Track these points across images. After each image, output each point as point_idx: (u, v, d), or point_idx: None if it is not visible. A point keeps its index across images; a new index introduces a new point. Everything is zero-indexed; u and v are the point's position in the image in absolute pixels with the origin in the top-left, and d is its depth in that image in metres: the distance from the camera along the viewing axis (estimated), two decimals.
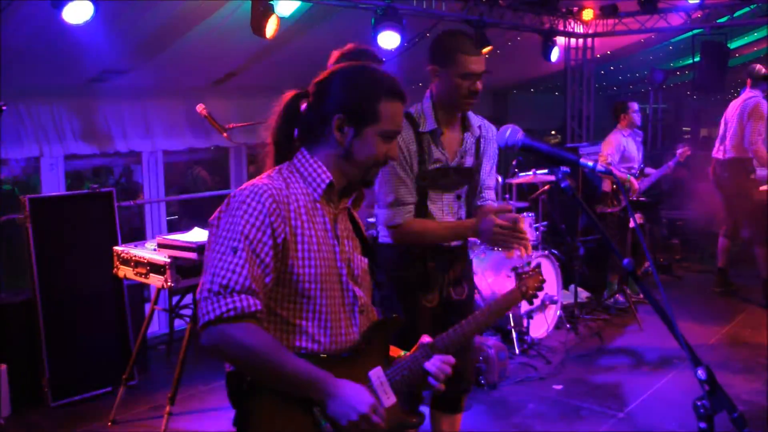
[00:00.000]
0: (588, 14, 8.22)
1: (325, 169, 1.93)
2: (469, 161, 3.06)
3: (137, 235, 6.18)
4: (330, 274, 1.91)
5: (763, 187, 6.97)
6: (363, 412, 1.80)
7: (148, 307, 5.32)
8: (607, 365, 5.41)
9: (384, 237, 3.06)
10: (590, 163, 1.65)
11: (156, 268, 4.35)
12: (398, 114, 1.95)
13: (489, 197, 3.20)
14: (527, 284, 2.32)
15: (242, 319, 1.73)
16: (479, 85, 2.92)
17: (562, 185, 1.68)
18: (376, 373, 1.92)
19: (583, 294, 6.85)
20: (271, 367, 1.75)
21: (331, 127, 1.90)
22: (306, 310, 1.88)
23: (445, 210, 3.03)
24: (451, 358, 2.04)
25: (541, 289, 2.39)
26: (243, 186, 1.88)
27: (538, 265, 2.46)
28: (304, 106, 1.96)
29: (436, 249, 3.03)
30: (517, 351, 5.52)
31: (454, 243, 3.06)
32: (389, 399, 1.91)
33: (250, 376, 1.80)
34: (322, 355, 1.88)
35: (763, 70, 3.03)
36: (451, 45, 2.89)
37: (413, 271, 3.01)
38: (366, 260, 2.07)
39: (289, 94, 1.97)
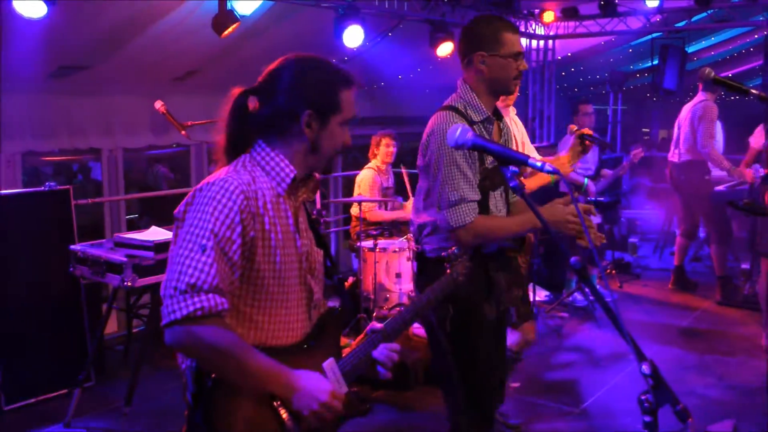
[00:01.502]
0: (549, 16, 8.32)
1: (288, 163, 1.93)
2: None
3: (96, 234, 6.10)
4: (291, 269, 1.93)
5: (719, 187, 7.13)
6: (323, 400, 1.84)
7: (105, 307, 5.27)
8: (564, 362, 5.48)
9: (433, 251, 2.84)
10: (538, 164, 1.67)
11: (113, 267, 4.30)
12: (354, 101, 1.98)
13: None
14: (457, 269, 2.34)
15: (209, 318, 1.73)
16: (525, 63, 2.86)
17: (511, 184, 1.70)
18: (330, 365, 1.97)
19: (542, 292, 6.93)
20: (236, 364, 1.76)
21: (300, 123, 1.90)
22: (267, 306, 1.90)
23: (498, 206, 2.88)
24: (396, 346, 2.09)
25: (469, 272, 2.38)
26: (211, 180, 1.86)
27: (465, 251, 2.45)
28: (254, 102, 1.95)
29: (498, 255, 2.88)
30: None
31: (506, 243, 2.91)
32: (342, 389, 1.96)
33: (214, 373, 1.80)
34: (281, 350, 1.90)
35: (713, 74, 3.08)
36: (496, 27, 2.79)
37: (475, 282, 2.71)
38: (321, 252, 2.09)
39: (236, 91, 1.95)
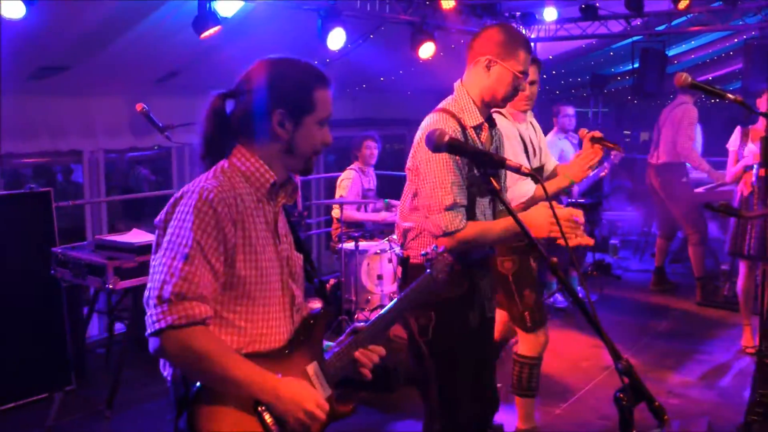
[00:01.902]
0: (551, 14, 8.32)
1: (267, 168, 1.93)
2: None
3: (78, 237, 6.06)
4: (272, 274, 1.94)
5: (698, 189, 7.21)
6: (308, 409, 1.85)
7: (86, 310, 5.24)
8: (545, 362, 5.49)
9: (418, 256, 2.74)
10: (516, 165, 1.69)
11: (94, 269, 4.28)
12: (329, 100, 1.97)
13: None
14: (436, 267, 2.35)
15: (193, 326, 1.74)
16: (528, 87, 2.87)
17: (489, 188, 1.72)
18: (313, 368, 1.98)
19: None
20: (220, 371, 1.76)
21: (272, 123, 1.90)
22: (250, 311, 1.90)
23: (486, 214, 2.86)
24: (381, 349, 2.12)
25: (449, 270, 2.38)
26: (191, 188, 1.85)
27: (445, 248, 2.44)
28: (232, 105, 1.95)
29: (481, 262, 2.89)
30: None
31: (490, 250, 2.93)
32: (325, 392, 1.98)
33: (199, 380, 1.81)
34: (264, 355, 1.91)
35: (689, 79, 3.13)
36: (515, 40, 2.76)
37: (459, 289, 2.77)
38: (301, 256, 2.10)
39: (215, 95, 1.96)
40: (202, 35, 4.74)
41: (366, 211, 6.53)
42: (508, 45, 2.74)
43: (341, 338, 2.14)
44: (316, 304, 2.13)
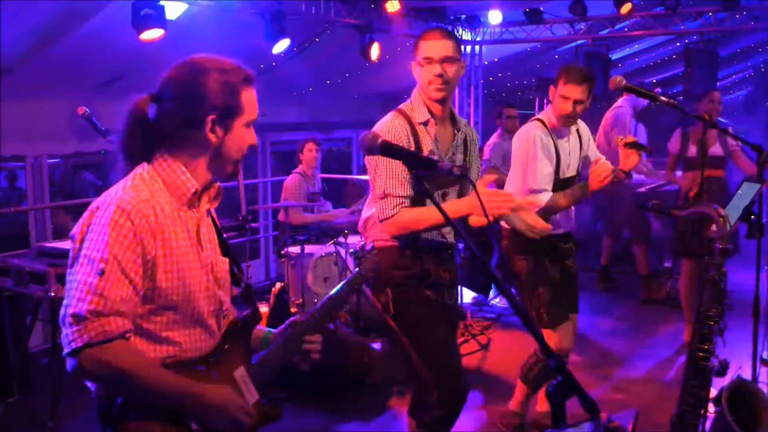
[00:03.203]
0: (496, 17, 8.43)
1: (189, 175, 1.87)
2: (459, 159, 3.10)
3: (23, 244, 5.92)
4: (196, 283, 1.88)
5: (640, 189, 7.39)
6: (234, 417, 1.84)
7: (29, 318, 5.12)
8: (492, 362, 5.57)
9: (372, 242, 3.06)
10: (446, 167, 1.73)
11: (36, 277, 4.20)
12: (256, 100, 1.92)
13: None
14: (365, 266, 2.41)
15: (112, 342, 1.70)
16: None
17: (420, 188, 1.75)
18: (240, 373, 1.96)
19: (470, 295, 7.03)
20: (144, 386, 1.74)
21: (202, 129, 1.83)
22: (173, 321, 1.86)
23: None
24: (318, 337, 2.12)
25: (377, 269, 2.45)
26: (108, 198, 1.79)
27: (373, 247, 2.52)
28: (155, 110, 1.87)
29: (430, 248, 3.02)
30: None
31: (442, 240, 3.05)
32: (253, 396, 1.96)
33: (123, 396, 1.78)
34: (190, 364, 1.88)
35: (624, 82, 3.23)
36: (421, 36, 2.99)
37: (408, 271, 2.99)
38: (227, 260, 2.05)
39: (137, 99, 1.87)
40: (142, 35, 4.68)
41: (313, 213, 6.56)
42: (417, 42, 2.99)
43: (279, 329, 2.14)
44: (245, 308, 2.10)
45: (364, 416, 4.61)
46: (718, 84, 8.60)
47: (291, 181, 6.55)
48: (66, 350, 1.69)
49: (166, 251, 1.81)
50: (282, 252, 5.82)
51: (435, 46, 2.91)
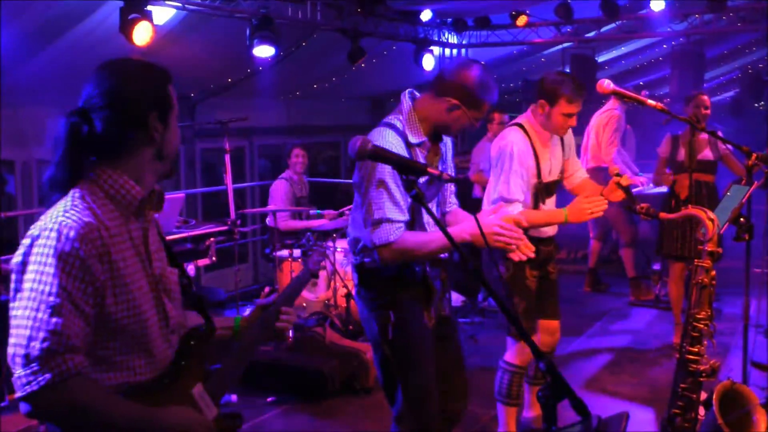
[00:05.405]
0: (462, 26, 8.47)
1: (133, 184, 1.79)
2: (441, 167, 3.04)
3: (13, 249, 5.89)
4: (145, 302, 1.81)
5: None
6: None
7: None
8: (481, 366, 5.57)
9: (372, 262, 2.84)
10: (437, 172, 1.75)
11: None
12: (173, 92, 1.90)
13: (455, 202, 3.15)
14: (313, 259, 2.44)
15: (68, 381, 1.62)
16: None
17: (410, 193, 1.77)
18: (198, 390, 1.92)
19: (458, 298, 7.04)
20: (105, 421, 1.67)
21: (148, 128, 1.79)
22: (125, 345, 1.78)
23: (430, 223, 2.89)
24: (290, 309, 2.20)
25: (322, 260, 2.48)
26: (47, 224, 1.68)
27: (321, 243, 2.55)
28: (86, 124, 1.77)
29: (434, 262, 2.92)
30: None
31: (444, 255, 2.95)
32: (212, 412, 1.94)
33: None
34: (148, 388, 1.82)
35: (612, 85, 3.25)
36: (485, 91, 2.80)
37: (413, 290, 2.87)
38: (176, 271, 1.99)
39: (69, 121, 1.76)
40: (139, 43, 4.68)
41: (300, 219, 6.57)
42: (477, 96, 2.77)
43: (249, 314, 2.20)
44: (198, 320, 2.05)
45: (351, 420, 4.61)
46: (705, 86, 8.67)
47: (277, 186, 6.57)
48: (20, 393, 1.61)
49: (114, 273, 1.73)
50: (271, 256, 5.83)
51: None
